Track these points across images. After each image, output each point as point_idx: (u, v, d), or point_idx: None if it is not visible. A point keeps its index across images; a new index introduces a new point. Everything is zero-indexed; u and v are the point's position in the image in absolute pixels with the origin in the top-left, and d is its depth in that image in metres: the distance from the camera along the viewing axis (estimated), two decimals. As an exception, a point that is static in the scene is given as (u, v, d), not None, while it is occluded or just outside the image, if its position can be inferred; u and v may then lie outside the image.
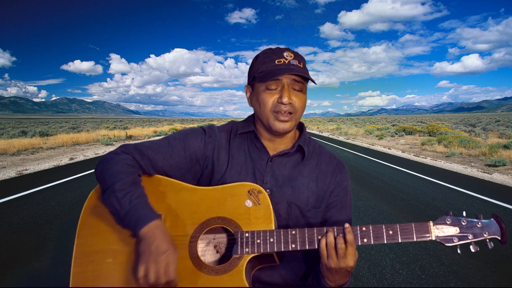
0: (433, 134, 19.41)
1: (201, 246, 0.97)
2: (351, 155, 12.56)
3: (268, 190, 0.98)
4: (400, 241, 0.88)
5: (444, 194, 6.05)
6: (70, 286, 0.93)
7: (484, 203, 5.40)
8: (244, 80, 1.07)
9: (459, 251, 0.87)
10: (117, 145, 15.18)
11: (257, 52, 1.07)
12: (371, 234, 0.90)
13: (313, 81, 1.00)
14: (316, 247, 0.91)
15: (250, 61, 1.08)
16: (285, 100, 0.94)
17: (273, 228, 0.92)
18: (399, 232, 0.89)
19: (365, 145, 17.23)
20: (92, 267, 0.94)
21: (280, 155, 1.03)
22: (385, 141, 19.11)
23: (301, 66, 0.98)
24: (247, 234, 0.91)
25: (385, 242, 0.89)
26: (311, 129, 40.44)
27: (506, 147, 10.90)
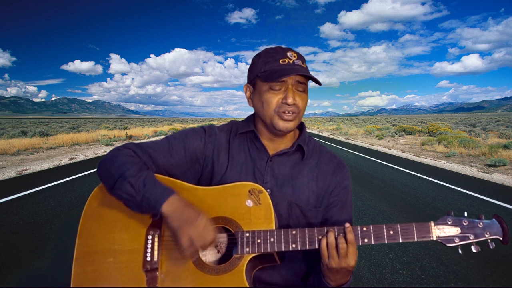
0: (433, 134, 19.42)
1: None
2: (351, 155, 12.57)
3: (268, 190, 0.98)
4: (401, 241, 0.88)
5: (444, 194, 6.05)
6: (71, 286, 0.93)
7: (484, 203, 5.40)
8: (244, 80, 1.07)
9: (460, 252, 0.87)
10: (117, 145, 15.18)
11: (257, 52, 1.06)
12: (372, 234, 0.89)
13: (318, 83, 1.00)
14: (317, 247, 0.91)
15: (250, 61, 1.07)
16: (290, 101, 0.94)
17: (274, 228, 0.92)
18: (400, 232, 0.88)
19: (365, 145, 17.23)
20: (92, 267, 0.94)
21: (279, 154, 1.03)
22: (385, 141, 19.11)
23: (305, 66, 0.98)
24: (247, 234, 0.91)
25: (386, 242, 0.89)
26: (311, 129, 40.45)
27: (506, 147, 10.90)
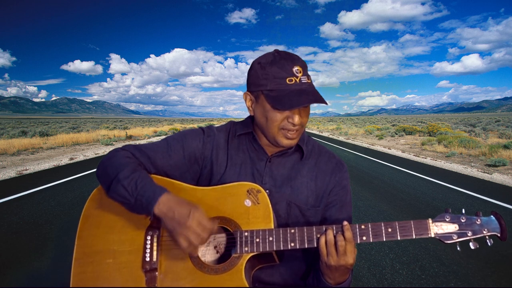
0: (433, 134, 19.41)
1: (201, 247, 0.98)
2: (351, 155, 12.57)
3: (267, 191, 0.98)
4: (399, 238, 0.88)
5: (444, 194, 6.05)
6: (71, 286, 0.93)
7: (484, 203, 5.40)
8: (244, 79, 1.05)
9: (458, 248, 0.87)
10: (117, 145, 15.18)
11: (257, 53, 1.04)
12: (370, 232, 0.90)
13: (326, 103, 0.94)
14: (315, 245, 0.91)
15: (250, 61, 1.06)
16: (296, 121, 0.92)
17: (273, 227, 0.92)
18: (398, 230, 0.89)
19: (365, 145, 17.23)
20: (92, 268, 0.94)
21: (278, 155, 1.03)
22: (385, 141, 19.11)
23: (310, 81, 0.94)
24: (246, 233, 0.91)
25: (384, 239, 0.89)
26: (311, 129, 40.45)
27: (506, 147, 10.90)
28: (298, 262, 1.04)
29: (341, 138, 22.94)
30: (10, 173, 7.79)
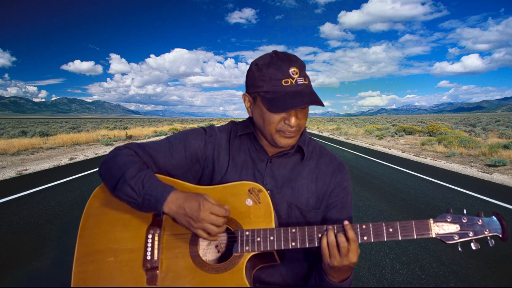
0: (433, 134, 19.42)
1: (202, 246, 0.98)
2: (351, 155, 12.57)
3: (268, 191, 0.98)
4: (400, 238, 0.88)
5: (444, 194, 6.05)
6: (72, 285, 0.94)
7: (484, 203, 5.40)
8: (244, 79, 1.05)
9: (460, 249, 0.87)
10: (117, 145, 15.18)
11: (257, 53, 1.04)
12: (371, 232, 0.90)
13: (322, 105, 0.94)
14: (316, 245, 0.91)
15: (250, 61, 1.05)
16: (292, 123, 0.93)
17: (274, 226, 0.92)
18: (399, 230, 0.89)
19: (365, 145, 17.23)
20: (93, 267, 0.94)
21: (279, 155, 1.03)
22: (385, 141, 19.11)
23: (307, 83, 0.94)
24: (247, 233, 0.92)
25: (385, 239, 0.89)
26: (311, 129, 40.45)
27: (506, 147, 10.90)
28: (299, 263, 1.04)
29: (341, 138, 22.94)
30: (10, 173, 7.79)
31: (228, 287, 0.89)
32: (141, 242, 0.95)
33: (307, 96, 0.91)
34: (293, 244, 0.91)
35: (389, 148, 15.02)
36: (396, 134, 21.87)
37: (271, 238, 0.91)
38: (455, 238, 0.87)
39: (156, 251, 0.93)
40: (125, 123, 49.68)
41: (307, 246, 0.91)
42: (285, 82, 0.91)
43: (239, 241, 0.91)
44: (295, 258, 1.03)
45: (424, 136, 19.37)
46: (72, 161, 10.18)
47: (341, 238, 0.88)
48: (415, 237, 0.88)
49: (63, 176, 7.38)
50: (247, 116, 1.09)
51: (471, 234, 0.87)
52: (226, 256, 0.96)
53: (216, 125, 1.11)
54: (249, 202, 0.94)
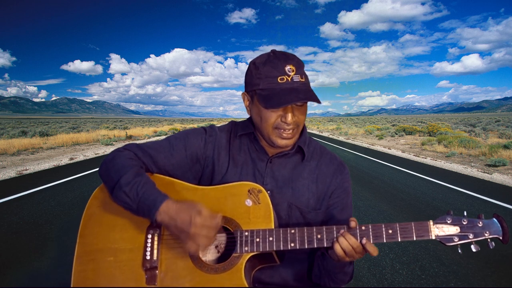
0: (433, 134, 19.41)
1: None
2: (351, 155, 12.56)
3: (268, 192, 0.98)
4: (399, 240, 0.88)
5: (444, 194, 6.05)
6: (72, 285, 0.94)
7: (484, 203, 5.40)
8: (243, 79, 1.05)
9: (460, 251, 0.87)
10: (117, 145, 15.19)
11: (257, 53, 1.04)
12: (371, 233, 0.89)
13: (319, 102, 0.93)
14: (315, 246, 0.91)
15: (250, 61, 1.07)
16: (289, 120, 0.92)
17: (273, 227, 0.92)
18: (398, 231, 0.88)
19: (365, 145, 17.23)
20: (93, 266, 0.94)
21: (279, 156, 1.03)
22: (385, 141, 19.10)
23: (304, 80, 0.93)
24: (246, 233, 0.91)
25: (385, 241, 0.89)
26: (311, 129, 40.44)
27: (506, 147, 10.90)
28: (299, 264, 1.04)
29: (341, 138, 22.93)
30: (10, 173, 7.78)
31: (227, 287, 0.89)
32: (141, 242, 0.95)
33: (303, 93, 0.90)
34: (292, 245, 0.91)
35: (389, 148, 15.02)
36: (396, 134, 21.86)
37: (270, 238, 0.91)
38: (455, 240, 0.87)
39: (155, 251, 0.94)
40: (125, 123, 49.67)
41: (306, 247, 0.91)
42: (280, 79, 0.91)
43: (238, 241, 0.91)
44: (294, 259, 1.03)
45: (424, 136, 19.37)
46: (72, 161, 10.18)
47: (352, 240, 0.89)
48: (414, 239, 0.88)
49: (63, 176, 7.38)
50: (247, 116, 1.09)
51: (471, 236, 0.86)
52: (225, 256, 0.96)
53: (217, 125, 1.11)
54: (249, 202, 0.94)
